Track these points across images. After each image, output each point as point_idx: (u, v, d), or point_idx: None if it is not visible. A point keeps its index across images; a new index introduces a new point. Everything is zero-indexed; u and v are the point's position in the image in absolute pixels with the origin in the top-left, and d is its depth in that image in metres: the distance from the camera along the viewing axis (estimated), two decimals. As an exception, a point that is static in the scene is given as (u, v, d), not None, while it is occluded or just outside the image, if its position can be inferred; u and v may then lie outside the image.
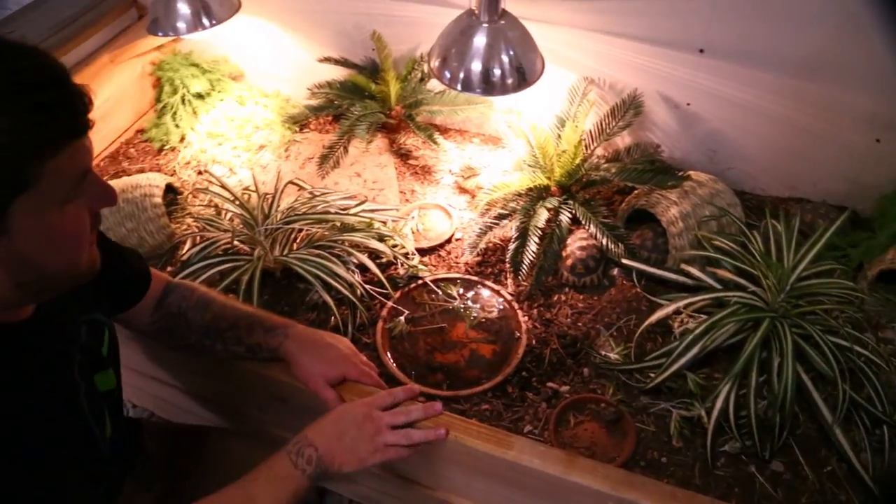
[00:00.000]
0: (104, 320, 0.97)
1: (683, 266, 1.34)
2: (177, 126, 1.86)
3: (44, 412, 0.81)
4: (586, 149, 1.55)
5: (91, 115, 0.72)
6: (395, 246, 1.50)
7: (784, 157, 1.54)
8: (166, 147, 1.86)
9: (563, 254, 1.44)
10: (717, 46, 1.42)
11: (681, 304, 1.25)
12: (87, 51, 1.78)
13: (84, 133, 0.72)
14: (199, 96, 1.89)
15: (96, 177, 0.77)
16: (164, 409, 1.53)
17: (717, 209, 1.37)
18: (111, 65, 1.82)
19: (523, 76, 1.35)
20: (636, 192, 1.50)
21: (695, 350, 1.17)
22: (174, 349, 1.16)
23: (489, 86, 1.34)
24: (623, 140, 1.63)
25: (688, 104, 1.54)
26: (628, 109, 1.53)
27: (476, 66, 1.33)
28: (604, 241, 1.41)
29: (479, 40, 1.32)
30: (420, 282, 1.46)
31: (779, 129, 1.49)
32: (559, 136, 1.55)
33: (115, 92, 1.84)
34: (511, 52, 1.33)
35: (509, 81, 1.35)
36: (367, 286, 1.41)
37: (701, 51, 1.44)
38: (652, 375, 1.22)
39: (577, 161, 1.48)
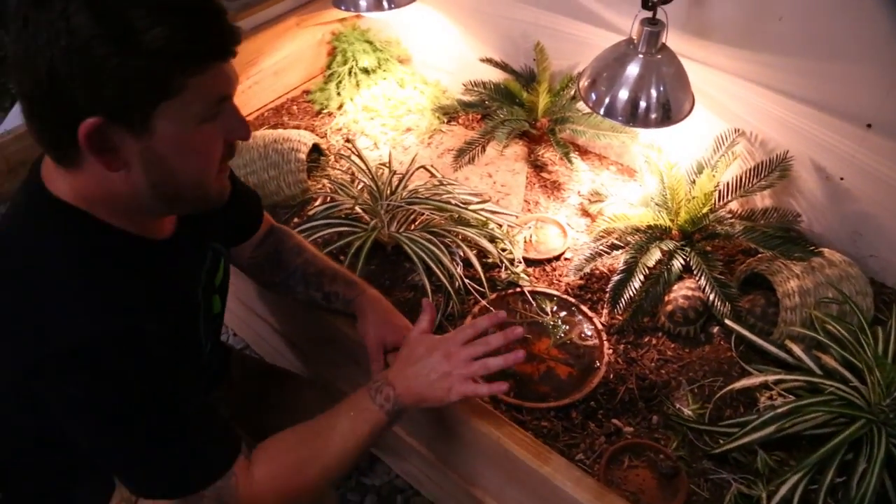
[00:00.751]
0: (222, 250, 1.09)
1: (788, 342, 1.27)
2: (338, 94, 2.00)
3: (172, 320, 0.89)
4: (720, 200, 1.51)
5: (237, 49, 0.79)
6: (503, 250, 1.53)
7: (939, 259, 1.41)
8: (324, 111, 2.00)
9: (666, 298, 1.41)
10: (888, 124, 1.33)
11: (771, 378, 1.19)
12: (279, 12, 1.96)
13: (227, 57, 0.78)
14: (366, 71, 2.02)
15: (235, 108, 0.83)
16: (259, 345, 1.67)
17: (840, 294, 1.28)
18: (296, 27, 1.99)
19: (668, 113, 1.34)
20: (760, 255, 1.44)
21: (771, 428, 1.11)
22: (262, 285, 1.26)
23: (631, 116, 1.34)
24: (763, 200, 1.57)
25: (841, 178, 1.45)
26: (774, 170, 1.47)
27: (622, 95, 1.33)
28: (711, 297, 1.36)
29: (632, 70, 1.32)
30: (518, 289, 1.49)
31: (940, 226, 1.37)
32: (693, 181, 1.51)
33: (293, 52, 2.01)
34: (661, 88, 1.33)
35: (652, 116, 1.34)
36: (466, 280, 1.46)
37: (868, 126, 1.35)
38: (721, 442, 1.18)
39: (705, 210, 1.44)
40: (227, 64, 0.79)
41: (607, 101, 1.35)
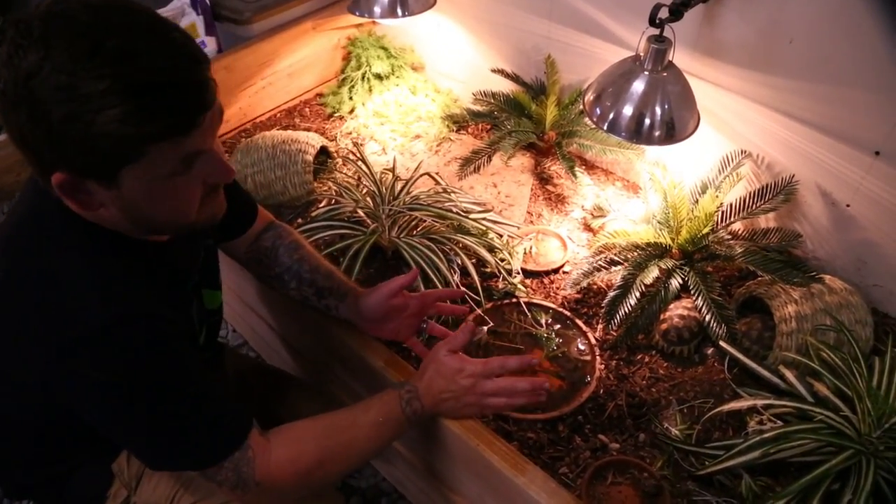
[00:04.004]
0: (212, 246, 1.12)
1: (781, 368, 1.26)
2: (350, 99, 2.02)
3: (173, 309, 0.93)
4: (722, 220, 1.50)
5: (206, 112, 0.77)
6: (502, 260, 1.54)
7: (943, 291, 1.39)
8: (336, 114, 2.03)
9: (661, 317, 1.40)
10: None
11: (760, 402, 1.18)
12: (296, 15, 1.98)
13: (188, 130, 0.76)
14: (379, 77, 2.04)
15: (213, 156, 0.82)
16: (256, 343, 1.69)
17: (837, 323, 1.27)
18: (312, 31, 2.01)
19: (671, 132, 1.34)
20: (759, 279, 1.42)
21: (756, 453, 1.10)
22: (258, 279, 1.28)
23: (635, 133, 1.34)
24: (766, 223, 1.55)
25: (847, 205, 1.43)
26: (778, 193, 1.46)
27: (626, 111, 1.33)
28: (707, 317, 1.35)
29: (637, 87, 1.32)
30: (514, 300, 1.48)
31: (946, 258, 1.35)
32: (697, 200, 1.50)
33: (308, 55, 2.04)
34: (665, 105, 1.32)
35: (656, 133, 1.34)
36: (462, 288, 1.47)
37: (877, 153, 1.34)
38: (707, 463, 1.16)
39: (706, 230, 1.43)
40: (195, 129, 0.77)
41: (611, 116, 1.35)
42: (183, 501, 1.08)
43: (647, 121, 1.32)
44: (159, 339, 0.84)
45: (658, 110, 1.32)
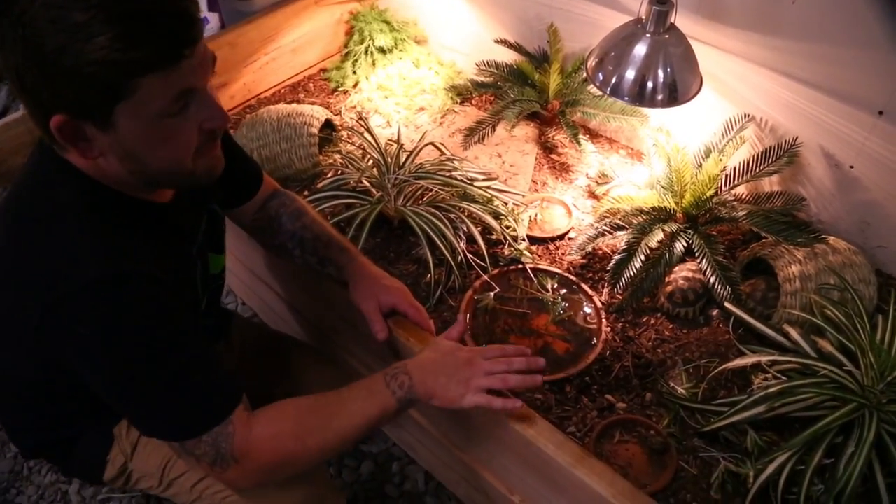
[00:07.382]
0: (218, 211, 1.14)
1: (785, 326, 1.27)
2: (354, 73, 2.02)
3: (172, 272, 0.93)
4: (727, 184, 1.50)
5: (195, 46, 0.77)
6: (507, 227, 1.55)
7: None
8: (340, 89, 2.03)
9: (666, 279, 1.41)
10: (899, 112, 1.32)
11: (765, 359, 1.19)
12: (299, -10, 1.99)
13: (178, 60, 0.76)
14: (382, 51, 2.04)
15: (208, 98, 0.83)
16: (265, 313, 1.70)
17: (842, 280, 1.27)
18: (315, 6, 2.01)
19: (674, 94, 1.34)
20: (763, 241, 1.43)
21: (761, 408, 1.11)
22: (264, 247, 1.30)
23: (638, 96, 1.35)
24: (771, 186, 1.56)
25: (851, 167, 1.43)
26: (781, 156, 1.46)
27: (629, 74, 1.34)
28: (712, 279, 1.36)
29: (639, 50, 1.32)
30: (520, 266, 1.50)
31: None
32: (700, 164, 1.51)
33: (311, 30, 2.04)
34: (668, 68, 1.33)
35: (659, 96, 1.34)
36: (469, 255, 1.48)
37: (880, 113, 1.34)
38: (712, 420, 1.18)
39: (709, 193, 1.44)
40: (184, 61, 0.77)
41: (614, 80, 1.36)
42: (173, 472, 1.11)
43: (650, 84, 1.33)
44: (152, 300, 0.84)
45: (661, 73, 1.33)
